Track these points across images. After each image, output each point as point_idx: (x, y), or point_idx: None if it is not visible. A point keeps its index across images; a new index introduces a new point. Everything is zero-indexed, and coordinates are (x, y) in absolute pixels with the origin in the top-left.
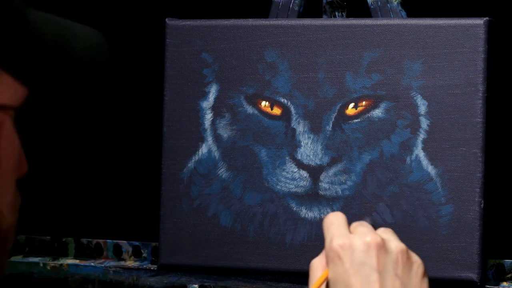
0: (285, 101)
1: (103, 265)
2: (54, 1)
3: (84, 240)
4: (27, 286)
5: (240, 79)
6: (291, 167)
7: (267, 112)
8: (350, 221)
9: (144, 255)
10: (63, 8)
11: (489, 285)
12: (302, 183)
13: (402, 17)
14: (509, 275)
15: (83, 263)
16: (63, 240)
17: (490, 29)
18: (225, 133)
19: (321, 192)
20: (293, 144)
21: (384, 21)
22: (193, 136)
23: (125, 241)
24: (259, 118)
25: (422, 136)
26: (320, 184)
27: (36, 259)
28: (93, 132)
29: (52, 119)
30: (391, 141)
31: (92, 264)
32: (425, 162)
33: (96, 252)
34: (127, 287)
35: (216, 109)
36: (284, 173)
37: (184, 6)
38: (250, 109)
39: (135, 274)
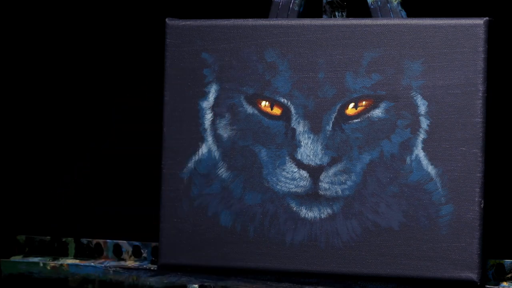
0: (285, 101)
1: (103, 265)
2: (56, 1)
3: (84, 240)
4: (27, 286)
5: (240, 79)
6: (291, 167)
7: (267, 112)
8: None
9: (144, 255)
10: (64, 8)
11: (489, 285)
12: (302, 183)
13: (402, 17)
14: (509, 275)
15: (83, 263)
16: (63, 240)
17: (490, 29)
18: (225, 133)
19: (321, 192)
20: (293, 144)
21: (384, 21)
22: (193, 136)
23: (125, 241)
24: (259, 118)
25: (422, 136)
26: (320, 184)
27: (36, 259)
28: (93, 132)
29: (52, 119)
30: (391, 141)
31: (92, 264)
32: (425, 162)
33: (96, 252)
34: (127, 287)
35: (216, 109)
36: (284, 173)
37: (184, 6)
38: (250, 109)
39: (135, 274)
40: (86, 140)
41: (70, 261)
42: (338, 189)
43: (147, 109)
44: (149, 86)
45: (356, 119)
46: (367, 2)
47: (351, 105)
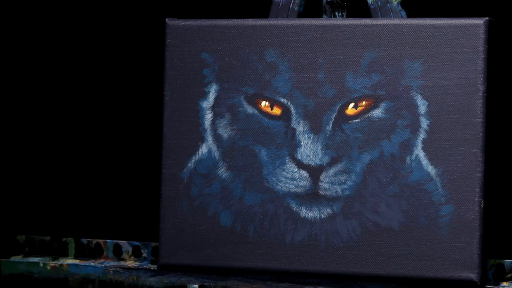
0: (285, 101)
1: (103, 265)
2: (56, 1)
3: (84, 240)
4: (27, 286)
5: (240, 79)
6: (291, 167)
7: (267, 112)
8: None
9: (144, 255)
10: (63, 8)
11: (489, 285)
12: (302, 183)
13: (402, 17)
14: (509, 275)
15: (83, 263)
16: (63, 240)
17: (490, 29)
18: (225, 133)
19: (321, 192)
20: (293, 144)
21: (384, 21)
22: (193, 136)
23: (125, 241)
24: (259, 118)
25: (422, 136)
26: (320, 184)
27: (36, 259)
28: (93, 132)
29: (52, 119)
30: (391, 141)
31: (92, 264)
32: (425, 162)
33: (96, 252)
34: (127, 287)
35: (216, 109)
36: (284, 173)
37: (184, 6)
38: (250, 109)
39: (135, 274)
40: (85, 140)
41: (70, 261)
42: (338, 189)
43: (147, 109)
44: (149, 86)
45: (356, 119)
46: (367, 2)
47: (351, 105)
